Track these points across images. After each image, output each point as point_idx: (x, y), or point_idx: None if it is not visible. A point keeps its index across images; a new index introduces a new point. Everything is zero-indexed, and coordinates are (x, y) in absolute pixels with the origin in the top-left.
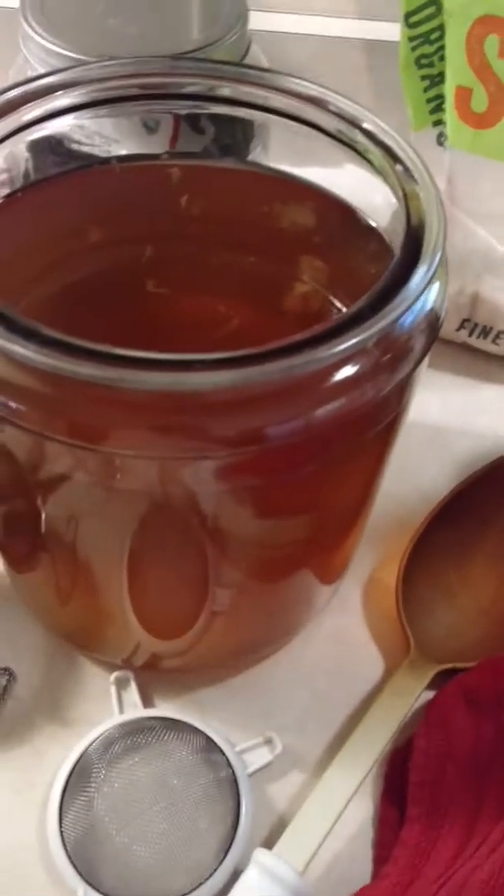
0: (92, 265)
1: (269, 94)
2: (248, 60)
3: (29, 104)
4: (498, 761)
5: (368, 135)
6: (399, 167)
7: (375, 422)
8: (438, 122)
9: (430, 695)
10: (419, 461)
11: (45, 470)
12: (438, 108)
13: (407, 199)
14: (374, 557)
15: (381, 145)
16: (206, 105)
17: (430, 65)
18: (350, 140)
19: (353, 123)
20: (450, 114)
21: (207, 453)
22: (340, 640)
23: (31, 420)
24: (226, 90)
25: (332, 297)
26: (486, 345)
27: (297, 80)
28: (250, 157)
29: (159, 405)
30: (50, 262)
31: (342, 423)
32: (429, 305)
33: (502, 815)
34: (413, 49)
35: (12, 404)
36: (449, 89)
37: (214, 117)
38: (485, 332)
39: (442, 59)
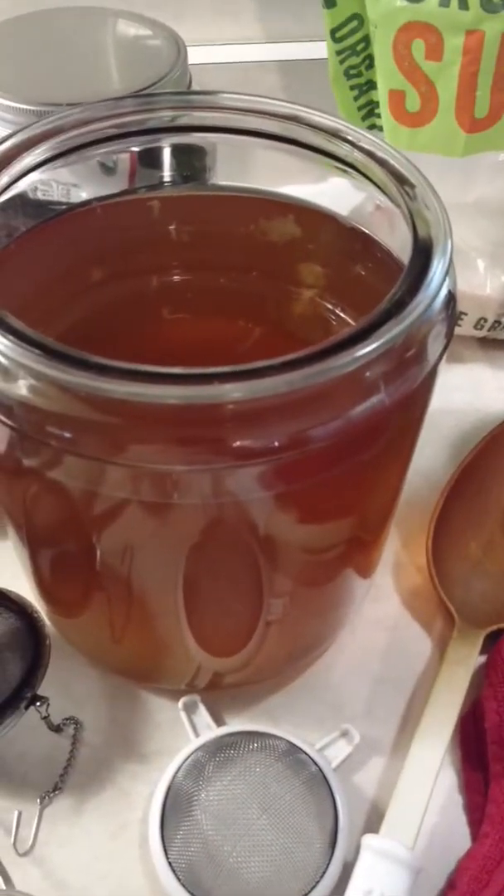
0: (97, 303)
1: (247, 116)
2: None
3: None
4: None
5: (352, 144)
6: (388, 169)
7: (408, 413)
8: (371, 127)
9: (481, 659)
10: None
11: (101, 499)
12: (370, 114)
13: (405, 199)
14: (394, 543)
15: (366, 152)
16: (177, 136)
17: (358, 74)
18: (333, 152)
19: (334, 135)
20: (385, 116)
21: (256, 460)
22: (383, 625)
23: (91, 447)
24: (197, 117)
25: (334, 300)
26: None
27: (272, 101)
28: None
29: (209, 417)
30: (56, 304)
31: (378, 420)
32: (446, 294)
33: None
34: (341, 62)
35: (67, 434)
36: (382, 94)
37: (171, 149)
38: None
39: (368, 68)
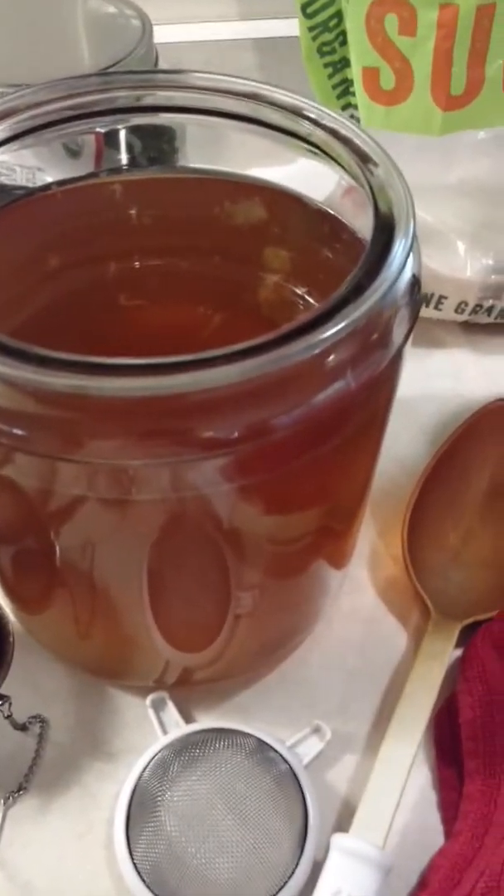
0: (57, 291)
1: (196, 94)
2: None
3: None
4: None
5: (314, 122)
6: (351, 148)
7: (374, 399)
8: (347, 106)
9: (457, 653)
10: (390, 432)
11: (59, 496)
12: (345, 93)
13: (367, 177)
14: (369, 532)
15: (329, 130)
16: (141, 116)
17: (332, 51)
18: (294, 130)
19: (295, 112)
20: (360, 95)
21: (217, 451)
22: (359, 617)
23: (43, 444)
24: (147, 99)
25: (301, 284)
26: (429, 312)
27: (234, 79)
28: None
29: (166, 408)
30: (15, 294)
31: (343, 406)
32: (409, 276)
33: None
34: (313, 39)
35: (19, 431)
36: (356, 72)
37: (138, 131)
38: (426, 299)
39: (342, 44)
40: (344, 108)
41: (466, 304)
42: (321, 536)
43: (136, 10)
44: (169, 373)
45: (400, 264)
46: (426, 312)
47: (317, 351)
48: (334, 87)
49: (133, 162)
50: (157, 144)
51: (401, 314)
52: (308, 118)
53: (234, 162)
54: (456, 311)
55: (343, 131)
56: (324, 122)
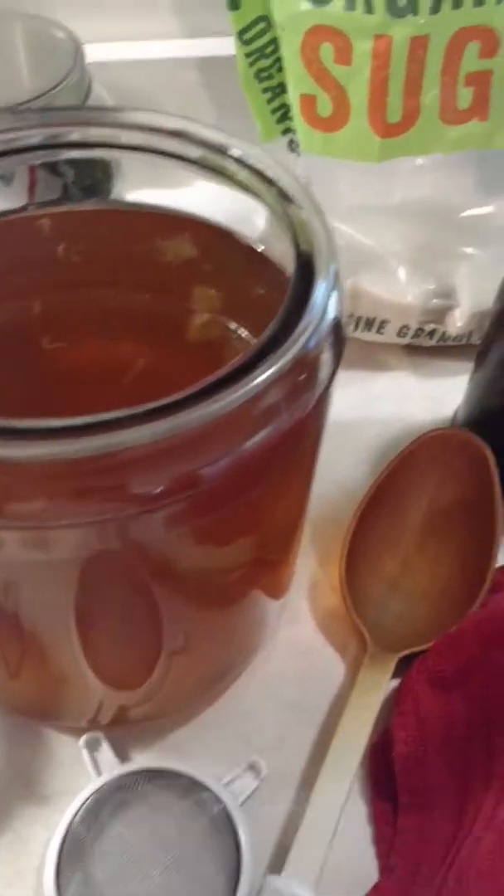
0: None
1: (125, 132)
2: (91, 98)
3: None
4: (474, 734)
5: (238, 161)
6: (274, 189)
7: (302, 439)
8: (287, 131)
9: (394, 683)
10: (333, 457)
11: None
12: (285, 118)
13: (290, 219)
14: (310, 561)
15: (253, 170)
16: (60, 152)
17: (270, 77)
18: (220, 168)
19: (221, 151)
20: (298, 122)
21: (142, 508)
22: (298, 649)
23: None
24: (76, 135)
25: (231, 322)
26: (372, 336)
27: (155, 114)
28: (114, 194)
29: (89, 468)
30: None
31: (272, 450)
32: (332, 317)
33: (488, 787)
34: (251, 64)
35: None
36: (293, 98)
37: (71, 162)
38: (369, 323)
39: (280, 70)
40: (284, 132)
41: (408, 328)
42: (255, 570)
43: (68, 33)
44: (89, 434)
45: (321, 308)
46: (369, 336)
47: (240, 402)
48: (273, 111)
49: (66, 192)
50: (91, 174)
51: (324, 357)
52: (233, 157)
53: (170, 194)
54: (398, 334)
55: (268, 172)
56: (249, 161)
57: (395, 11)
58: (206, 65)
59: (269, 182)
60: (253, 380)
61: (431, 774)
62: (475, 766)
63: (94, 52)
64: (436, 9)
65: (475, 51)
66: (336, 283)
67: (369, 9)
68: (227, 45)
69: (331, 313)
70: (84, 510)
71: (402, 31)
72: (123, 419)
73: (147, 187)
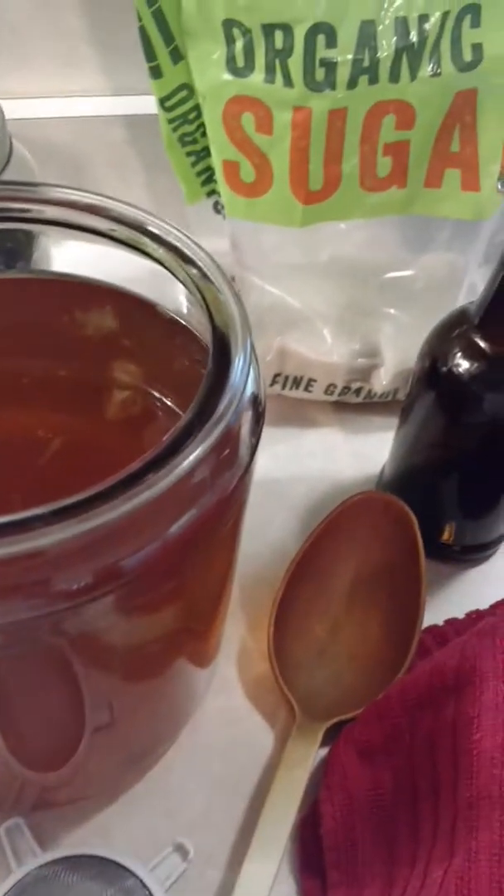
0: None
1: (43, 206)
2: (13, 161)
3: None
4: (400, 803)
5: (155, 238)
6: (192, 268)
7: (228, 514)
8: (212, 193)
9: (323, 752)
10: (262, 516)
11: None
12: (210, 180)
13: (205, 298)
14: (239, 626)
15: (170, 247)
16: None
17: (194, 141)
18: (137, 244)
19: (137, 228)
20: (222, 186)
21: (63, 605)
22: (226, 719)
23: None
24: (13, 207)
25: (153, 395)
26: (299, 394)
27: (72, 190)
28: (35, 256)
29: (2, 570)
30: None
31: (198, 530)
32: (250, 392)
33: (414, 860)
34: (174, 130)
35: None
36: (217, 164)
37: None
38: (296, 382)
39: (204, 134)
40: (209, 194)
41: (335, 387)
42: (181, 640)
43: None
44: (7, 535)
45: (241, 383)
46: (297, 394)
47: (167, 487)
48: (198, 174)
49: None
50: (12, 236)
51: (245, 430)
52: (151, 234)
53: (95, 250)
54: (325, 392)
55: (185, 250)
56: (168, 238)
57: (313, 86)
58: (133, 122)
59: (186, 260)
60: (179, 463)
61: (360, 850)
62: (402, 837)
63: (19, 109)
64: (353, 84)
65: (392, 122)
66: (253, 358)
67: (288, 82)
68: (153, 103)
69: (249, 388)
70: (3, 609)
71: (320, 104)
72: (44, 517)
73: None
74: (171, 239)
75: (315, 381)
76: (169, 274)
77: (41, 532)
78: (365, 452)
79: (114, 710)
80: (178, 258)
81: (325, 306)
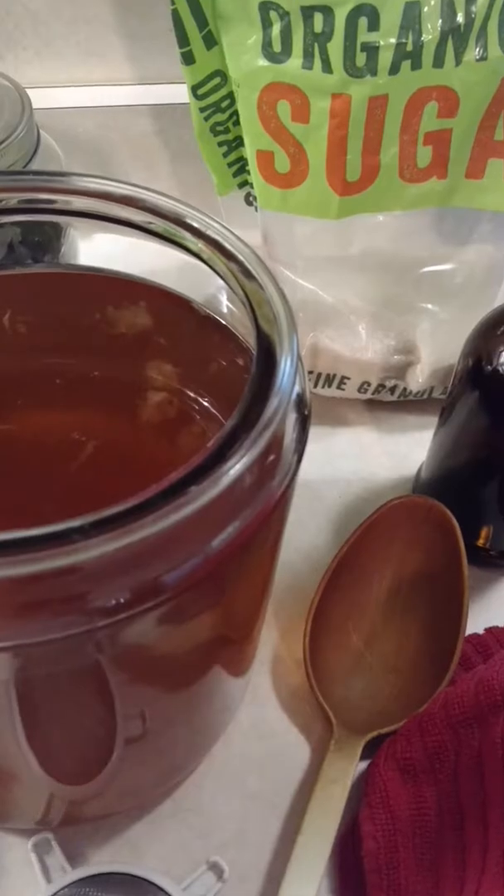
0: None
1: (75, 197)
2: (40, 150)
3: None
4: (445, 827)
5: (194, 231)
6: (233, 263)
7: (272, 524)
8: (244, 184)
9: (362, 765)
10: (295, 521)
11: None
12: (242, 171)
13: (248, 296)
14: (272, 634)
15: (210, 241)
16: (5, 216)
17: (226, 131)
18: (176, 237)
19: (176, 221)
20: (255, 177)
21: (101, 622)
22: (260, 732)
23: None
24: (23, 200)
25: (190, 397)
26: (332, 391)
27: (113, 183)
28: (64, 250)
29: (37, 585)
30: None
31: (241, 542)
32: (296, 394)
33: (462, 887)
34: (206, 119)
35: None
36: (250, 154)
37: (22, 224)
38: (329, 380)
39: (236, 123)
40: (241, 185)
41: (369, 385)
42: (217, 650)
43: (14, 85)
44: (42, 549)
45: (288, 386)
46: (329, 392)
47: (211, 498)
48: (230, 164)
49: (12, 250)
50: (40, 230)
51: (290, 434)
52: (190, 228)
53: (120, 256)
54: (359, 390)
55: (226, 244)
56: (207, 232)
57: (353, 72)
58: (160, 111)
59: (228, 255)
60: (224, 473)
61: (403, 874)
62: (448, 862)
63: (44, 98)
64: (395, 69)
65: (434, 110)
66: (299, 359)
67: (327, 68)
68: (181, 92)
69: (296, 389)
70: (36, 627)
71: (360, 91)
72: (83, 529)
73: (102, 232)
74: (210, 232)
75: (348, 378)
76: (204, 268)
77: (80, 546)
78: (400, 452)
79: (147, 723)
80: (219, 252)
81: (360, 301)
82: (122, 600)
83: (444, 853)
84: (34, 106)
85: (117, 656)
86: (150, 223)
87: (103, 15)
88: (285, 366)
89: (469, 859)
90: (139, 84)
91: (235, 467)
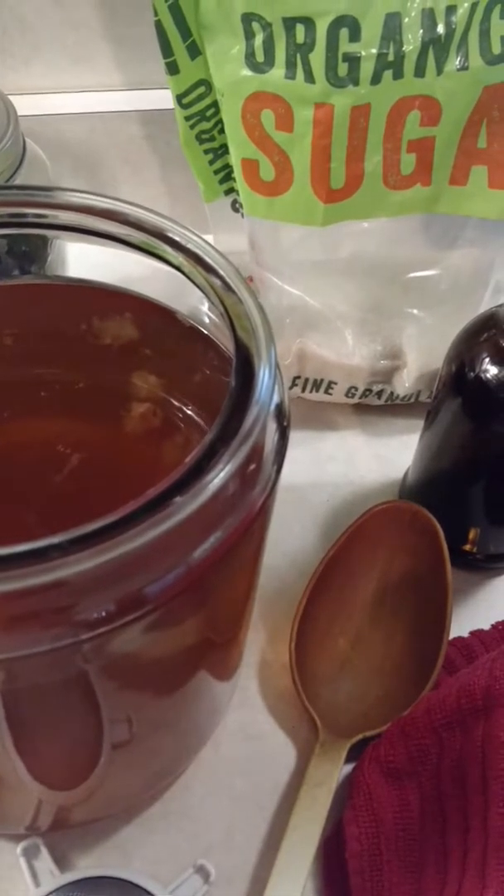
0: None
1: (59, 212)
2: (26, 160)
3: None
4: (428, 831)
5: (175, 245)
6: (213, 276)
7: (253, 532)
8: (230, 191)
9: (347, 768)
10: (282, 526)
11: None
12: (228, 178)
13: (227, 309)
14: (259, 638)
15: (190, 254)
16: (6, 230)
17: (212, 139)
18: (156, 250)
19: (156, 234)
20: (240, 185)
21: (84, 635)
22: (247, 734)
23: None
24: (7, 215)
25: (172, 403)
26: (320, 396)
27: (90, 195)
28: (51, 259)
29: (21, 600)
30: None
31: (223, 551)
32: (275, 405)
33: (443, 890)
34: (191, 127)
35: None
36: (235, 162)
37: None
38: (316, 385)
39: (222, 132)
40: (227, 192)
41: (356, 389)
42: (202, 654)
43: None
44: (25, 565)
45: (267, 395)
46: (316, 397)
47: (194, 509)
48: (216, 172)
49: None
50: (26, 240)
51: (270, 443)
52: (171, 241)
53: (107, 264)
54: (346, 395)
55: (206, 258)
56: (188, 246)
57: (335, 81)
58: (149, 117)
59: (207, 268)
60: (205, 485)
61: (386, 876)
62: (430, 864)
63: (32, 104)
64: (377, 79)
65: (417, 119)
66: (277, 370)
67: (310, 78)
68: (170, 98)
69: (275, 399)
70: (21, 640)
71: (342, 101)
72: (64, 546)
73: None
74: (191, 246)
75: (336, 383)
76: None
77: (61, 562)
78: (387, 456)
79: (135, 729)
80: (199, 266)
81: (346, 307)
82: (106, 613)
83: (427, 857)
84: (22, 113)
85: (103, 667)
86: (132, 236)
87: (91, 20)
88: (264, 377)
89: (450, 863)
90: (127, 89)
91: (216, 479)
